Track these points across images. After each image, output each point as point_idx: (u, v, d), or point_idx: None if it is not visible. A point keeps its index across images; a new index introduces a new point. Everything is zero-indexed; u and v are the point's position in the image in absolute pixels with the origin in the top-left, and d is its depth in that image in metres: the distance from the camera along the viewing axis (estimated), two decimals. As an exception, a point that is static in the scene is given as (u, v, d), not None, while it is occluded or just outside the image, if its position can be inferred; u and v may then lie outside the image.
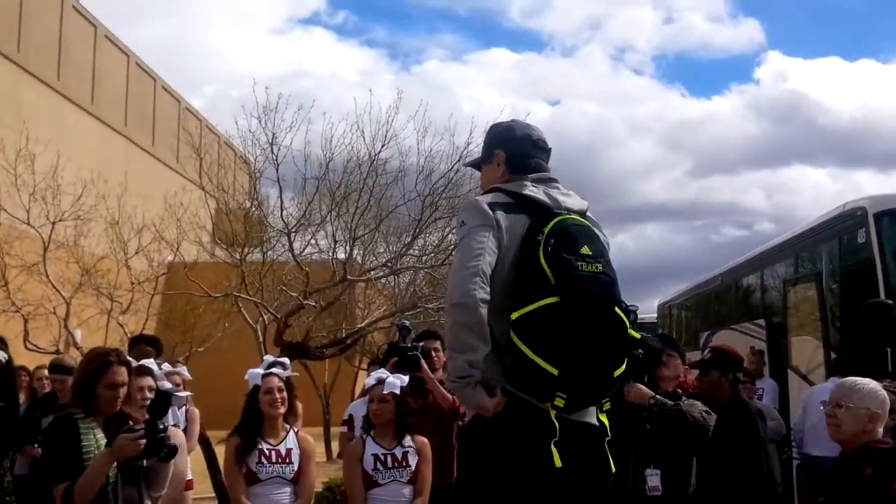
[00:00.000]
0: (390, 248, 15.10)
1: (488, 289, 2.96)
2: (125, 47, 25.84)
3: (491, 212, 3.07)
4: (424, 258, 13.90)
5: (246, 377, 5.03)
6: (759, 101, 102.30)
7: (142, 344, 6.67)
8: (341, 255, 12.69)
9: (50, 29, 21.08)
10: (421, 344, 6.21)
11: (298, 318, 12.50)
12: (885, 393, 3.75)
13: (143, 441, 3.51)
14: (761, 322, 11.87)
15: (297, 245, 12.37)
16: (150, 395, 4.64)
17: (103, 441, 3.65)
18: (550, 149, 3.43)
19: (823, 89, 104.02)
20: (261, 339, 12.05)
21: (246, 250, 12.49)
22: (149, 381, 4.73)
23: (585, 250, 3.02)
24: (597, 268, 3.02)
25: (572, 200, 3.22)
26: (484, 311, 2.93)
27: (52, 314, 12.66)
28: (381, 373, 5.28)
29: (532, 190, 3.16)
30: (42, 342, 12.33)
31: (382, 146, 12.25)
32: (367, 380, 5.27)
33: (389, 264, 13.69)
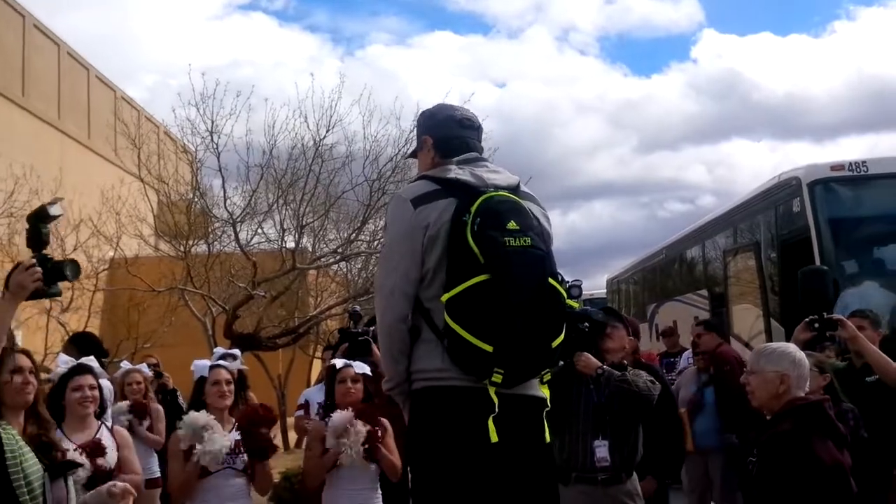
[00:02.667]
0: (340, 234, 15.03)
1: (410, 295, 3.09)
2: (56, 36, 25.11)
3: (413, 208, 3.10)
4: (375, 243, 13.85)
5: (192, 368, 4.92)
6: (697, 79, 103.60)
7: (74, 345, 6.27)
8: (290, 244, 12.60)
9: (-25, 21, 20.44)
10: (372, 329, 6.20)
11: (248, 309, 12.39)
12: (798, 354, 3.71)
13: (39, 269, 3.23)
14: (704, 293, 12.08)
15: (243, 235, 12.28)
16: (90, 393, 4.50)
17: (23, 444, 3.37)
18: (480, 126, 3.45)
19: (757, 65, 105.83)
20: (210, 332, 11.90)
21: (190, 242, 12.30)
22: (90, 379, 4.56)
23: (513, 225, 3.02)
24: (525, 241, 3.02)
25: (500, 177, 3.23)
26: (402, 327, 3.12)
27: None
28: (341, 359, 5.28)
29: (457, 172, 3.17)
30: (-20, 345, 11.98)
31: (327, 131, 12.22)
32: (334, 362, 5.22)
33: (340, 250, 13.61)
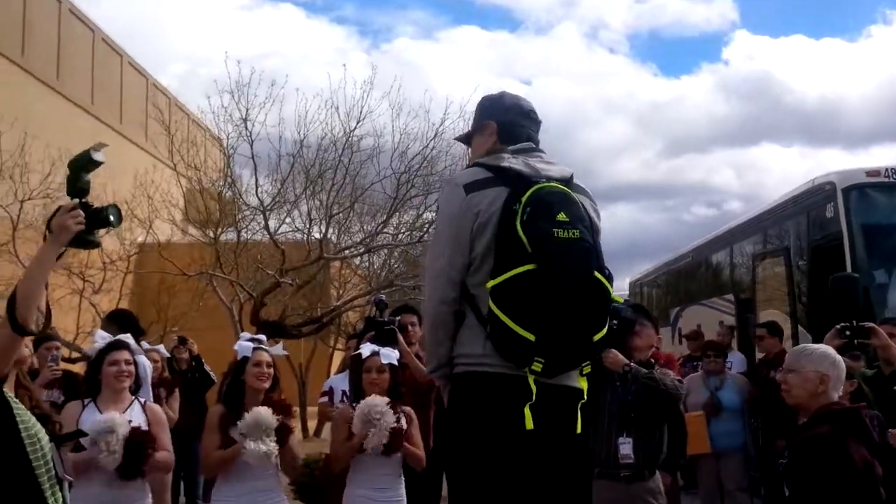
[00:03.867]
0: (364, 227, 15.10)
1: (456, 280, 3.12)
2: (91, 22, 25.39)
3: (465, 194, 3.13)
4: (399, 236, 13.90)
5: (235, 348, 4.98)
6: (728, 81, 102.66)
7: (113, 325, 6.42)
8: (316, 235, 12.67)
9: (13, 4, 20.67)
10: (398, 318, 6.24)
11: (274, 298, 12.47)
12: (837, 356, 3.76)
13: (81, 212, 3.13)
14: (730, 297, 11.99)
15: (272, 223, 12.33)
16: (126, 368, 4.59)
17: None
18: (541, 121, 3.46)
19: (790, 68, 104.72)
20: (236, 318, 12.00)
21: (220, 229, 12.41)
22: (125, 354, 4.64)
23: (562, 217, 3.04)
24: (574, 233, 3.03)
25: (554, 168, 3.24)
26: (447, 310, 3.14)
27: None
28: (371, 346, 5.31)
29: (511, 161, 3.19)
30: (13, 324, 12.10)
31: (357, 123, 12.24)
32: (361, 350, 5.26)
33: (365, 242, 13.67)
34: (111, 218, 3.21)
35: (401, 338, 6.03)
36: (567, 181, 3.23)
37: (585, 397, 3.23)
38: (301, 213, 13.13)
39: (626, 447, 4.97)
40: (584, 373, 3.21)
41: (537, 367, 2.99)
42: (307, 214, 12.92)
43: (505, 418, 3.03)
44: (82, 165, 3.25)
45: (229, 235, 12.79)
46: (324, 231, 12.72)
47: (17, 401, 3.29)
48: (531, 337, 2.95)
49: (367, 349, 5.22)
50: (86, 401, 4.58)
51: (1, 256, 12.10)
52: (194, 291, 13.59)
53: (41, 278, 3.17)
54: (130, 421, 4.46)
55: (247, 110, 11.84)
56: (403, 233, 13.95)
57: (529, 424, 2.99)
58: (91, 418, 4.44)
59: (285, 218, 13.14)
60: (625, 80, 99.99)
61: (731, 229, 12.81)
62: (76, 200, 3.15)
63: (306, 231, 12.92)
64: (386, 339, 5.87)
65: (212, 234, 12.24)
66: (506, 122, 3.38)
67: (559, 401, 3.13)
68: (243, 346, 4.94)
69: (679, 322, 14.24)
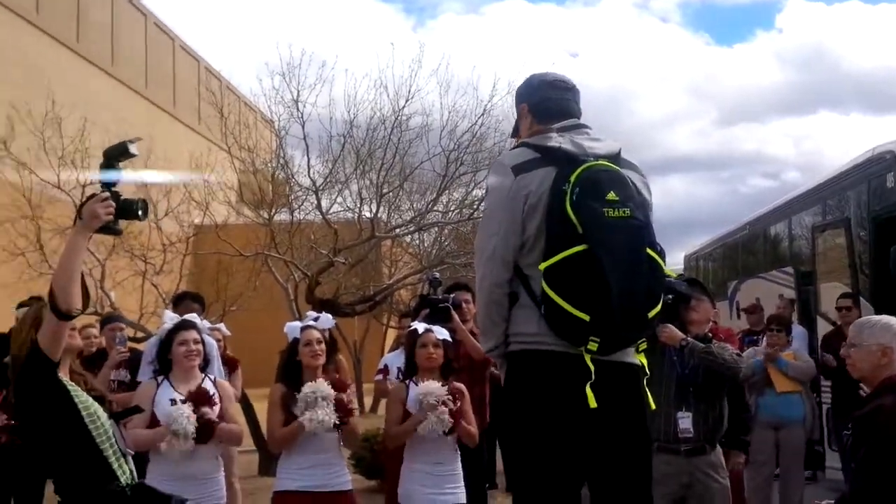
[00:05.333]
0: (414, 205, 15.16)
1: (509, 261, 3.15)
2: (142, 6, 25.76)
3: (514, 175, 3.14)
4: (449, 214, 13.92)
5: (285, 330, 5.12)
6: (782, 49, 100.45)
7: (187, 300, 6.77)
8: (367, 214, 12.74)
9: (67, -10, 21.05)
10: (452, 296, 6.28)
11: (328, 276, 12.60)
12: None
13: (112, 202, 3.25)
14: (789, 270, 11.84)
15: (324, 203, 12.44)
16: (194, 347, 4.71)
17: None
18: (574, 87, 3.42)
19: (846, 35, 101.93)
20: (292, 297, 12.15)
21: (273, 210, 12.56)
22: (194, 334, 4.78)
23: (612, 196, 3.04)
24: (624, 212, 3.05)
25: (601, 145, 3.22)
26: (501, 291, 3.17)
27: (87, 276, 12.71)
28: (424, 324, 5.37)
29: (558, 140, 3.18)
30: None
31: (406, 101, 12.24)
32: (415, 326, 5.32)
33: (415, 221, 13.73)
34: (140, 213, 3.37)
35: (455, 315, 6.08)
36: (614, 157, 3.22)
37: (647, 372, 3.26)
38: (352, 192, 13.22)
39: (685, 422, 4.97)
40: (640, 349, 3.23)
41: (593, 346, 3.02)
42: (358, 194, 12.99)
43: (566, 396, 3.07)
44: (117, 155, 3.39)
45: (283, 216, 12.93)
46: (375, 210, 12.79)
47: (72, 383, 3.45)
48: (585, 317, 2.98)
49: (420, 327, 5.28)
50: (160, 379, 4.71)
51: (66, 239, 12.38)
52: (250, 272, 13.79)
53: (76, 265, 3.30)
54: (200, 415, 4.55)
55: (298, 92, 11.93)
56: (453, 210, 13.97)
57: (593, 403, 3.02)
58: (166, 395, 4.60)
59: (336, 197, 13.25)
60: (677, 50, 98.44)
61: (789, 200, 12.63)
62: (106, 192, 3.29)
63: (357, 210, 13.01)
64: (440, 317, 5.94)
65: (266, 215, 12.38)
66: (535, 100, 3.40)
67: (619, 377, 3.15)
68: (291, 327, 5.09)
69: (736, 296, 14.09)
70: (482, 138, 13.30)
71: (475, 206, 12.86)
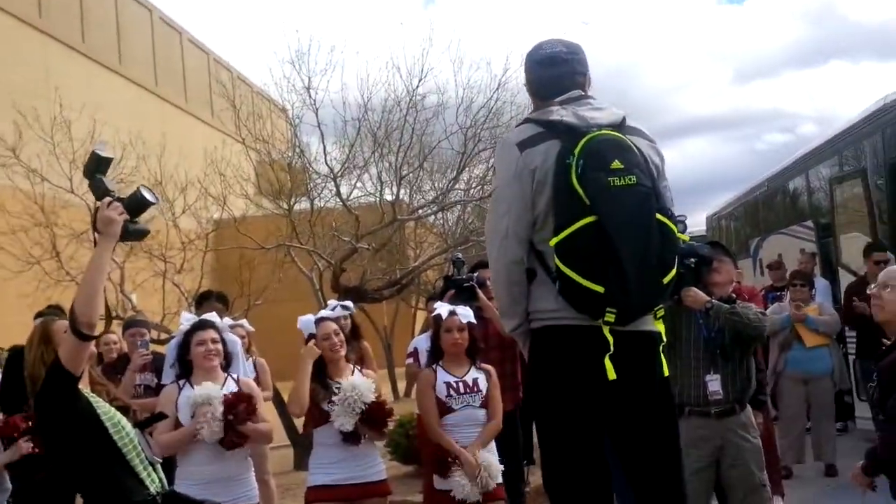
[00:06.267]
0: (435, 185, 15.15)
1: (523, 238, 3.18)
2: (147, 2, 25.68)
3: (519, 152, 3.16)
4: (471, 191, 13.91)
5: (299, 327, 5.14)
6: (791, 2, 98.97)
7: (211, 300, 6.80)
8: (388, 197, 12.73)
9: (70, -8, 21.01)
10: (475, 274, 6.30)
11: (352, 263, 12.62)
12: None
13: (118, 203, 3.22)
14: (809, 224, 11.81)
15: (343, 189, 12.45)
16: (213, 347, 4.70)
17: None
18: (569, 58, 3.36)
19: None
20: (317, 287, 12.19)
21: (293, 199, 12.56)
22: (212, 333, 4.76)
23: (616, 164, 3.05)
24: (630, 180, 3.05)
25: (603, 114, 3.22)
26: (517, 269, 3.20)
27: (106, 280, 12.67)
28: (447, 305, 5.38)
29: (560, 113, 3.19)
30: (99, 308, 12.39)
31: (420, 81, 12.20)
32: (438, 309, 5.34)
33: (437, 201, 13.71)
34: (146, 196, 3.29)
35: (481, 293, 6.11)
36: (618, 125, 3.22)
37: (665, 339, 3.29)
38: (371, 176, 13.23)
39: (714, 384, 5.00)
40: (658, 316, 3.26)
41: (610, 317, 3.05)
42: (377, 177, 12.99)
43: (586, 369, 3.11)
44: (95, 169, 3.35)
45: (302, 205, 12.93)
46: (395, 192, 12.79)
47: (94, 395, 3.46)
48: (600, 289, 3.01)
49: (443, 309, 5.30)
50: (181, 382, 4.71)
51: (82, 244, 12.41)
52: (274, 264, 13.75)
53: (100, 281, 3.28)
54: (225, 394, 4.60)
55: (309, 78, 11.92)
56: (475, 187, 13.95)
57: (612, 375, 3.06)
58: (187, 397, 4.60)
59: (356, 183, 13.26)
60: (686, 11, 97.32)
61: (805, 155, 12.57)
62: (107, 198, 3.24)
63: (378, 194, 13.01)
64: (466, 297, 5.96)
65: (285, 206, 12.39)
66: (532, 79, 3.44)
67: (638, 347, 3.18)
68: (305, 322, 5.12)
69: (760, 253, 14.07)
70: (498, 113, 13.28)
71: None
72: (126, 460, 3.32)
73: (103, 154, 3.37)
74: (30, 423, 4.61)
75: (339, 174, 12.13)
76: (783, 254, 11.96)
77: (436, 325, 5.35)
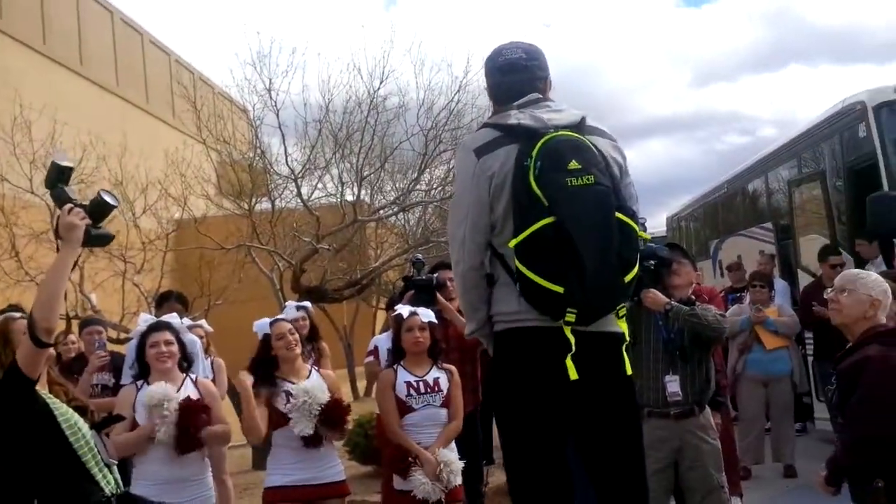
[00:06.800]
0: (397, 185, 15.15)
1: (481, 243, 3.18)
2: (108, 3, 25.43)
3: (476, 158, 3.15)
4: (432, 192, 13.92)
5: (254, 329, 5.11)
6: (750, 5, 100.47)
7: (171, 300, 6.72)
8: (349, 198, 12.71)
9: (29, -8, 20.75)
10: (435, 275, 6.27)
11: (313, 264, 12.58)
12: (887, 284, 3.89)
13: (80, 209, 3.18)
14: (768, 225, 11.91)
15: (304, 190, 12.41)
16: (166, 349, 4.65)
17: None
18: (528, 65, 3.34)
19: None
20: (278, 287, 12.13)
21: (254, 200, 12.50)
22: (166, 335, 4.71)
23: (574, 165, 3.04)
24: (587, 179, 3.04)
25: (561, 116, 3.21)
26: (477, 274, 3.22)
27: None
28: (407, 307, 5.35)
29: (518, 117, 3.18)
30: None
31: (381, 83, 12.21)
32: (399, 311, 5.31)
33: (398, 201, 13.71)
34: (107, 199, 3.26)
35: (440, 296, 6.08)
36: (577, 126, 3.20)
37: (627, 339, 3.28)
38: (332, 177, 13.18)
39: (673, 385, 5.02)
40: (620, 315, 3.23)
41: (570, 317, 3.02)
42: (338, 178, 12.96)
43: (549, 370, 3.09)
44: (56, 178, 3.29)
45: (263, 206, 12.87)
46: (356, 193, 12.76)
47: (52, 396, 3.40)
48: (560, 289, 2.99)
49: (404, 311, 5.26)
50: (139, 383, 4.67)
51: (42, 245, 12.30)
52: (234, 264, 13.68)
53: (60, 287, 3.22)
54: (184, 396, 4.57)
55: (270, 80, 11.87)
56: (436, 188, 13.95)
57: (574, 375, 3.04)
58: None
59: (317, 184, 13.21)
60: (645, 14, 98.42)
61: (764, 157, 12.69)
62: (69, 205, 3.19)
63: (339, 195, 12.97)
64: (425, 298, 5.93)
65: (246, 206, 12.33)
66: (491, 84, 3.43)
67: (600, 347, 3.16)
68: (260, 324, 5.08)
69: (719, 254, 14.17)
70: (459, 115, 13.34)
71: (456, 183, 12.84)
72: (82, 462, 3.27)
73: (63, 163, 3.32)
74: None
75: (301, 175, 12.08)
76: (742, 255, 12.05)
77: (397, 324, 5.31)
